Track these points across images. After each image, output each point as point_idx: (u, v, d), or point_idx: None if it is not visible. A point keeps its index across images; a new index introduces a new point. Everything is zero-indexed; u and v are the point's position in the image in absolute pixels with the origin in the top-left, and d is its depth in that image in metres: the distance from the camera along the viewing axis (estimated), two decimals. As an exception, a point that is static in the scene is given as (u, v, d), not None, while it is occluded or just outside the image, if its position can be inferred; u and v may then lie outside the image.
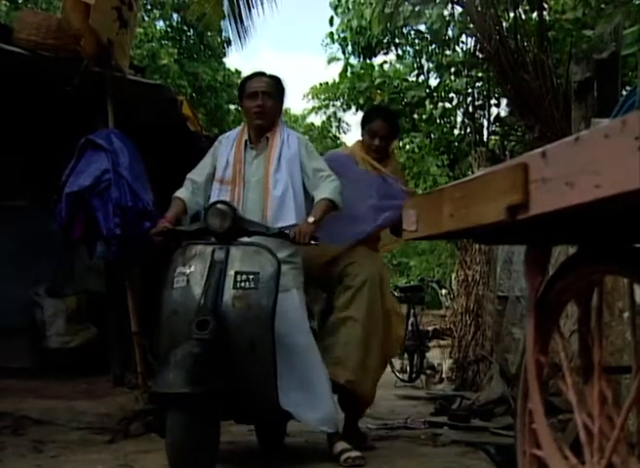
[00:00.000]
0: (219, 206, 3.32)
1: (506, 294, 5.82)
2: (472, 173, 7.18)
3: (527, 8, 8.23)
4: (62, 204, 4.13)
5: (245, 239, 3.36)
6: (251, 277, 3.17)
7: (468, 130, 10.10)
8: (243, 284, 3.16)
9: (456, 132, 10.73)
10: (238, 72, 19.08)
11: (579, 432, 1.39)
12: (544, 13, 7.98)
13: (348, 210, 3.78)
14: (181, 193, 3.76)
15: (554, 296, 1.52)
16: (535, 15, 8.11)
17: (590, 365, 1.41)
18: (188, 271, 3.21)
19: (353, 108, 11.64)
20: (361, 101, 11.10)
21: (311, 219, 3.46)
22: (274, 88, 3.81)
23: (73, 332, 5.53)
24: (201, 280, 3.16)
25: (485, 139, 9.62)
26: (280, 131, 3.80)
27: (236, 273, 3.17)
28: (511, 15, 7.54)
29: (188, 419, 2.81)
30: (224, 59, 17.62)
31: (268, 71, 3.89)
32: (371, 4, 10.25)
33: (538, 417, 1.52)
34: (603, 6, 7.58)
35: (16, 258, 5.59)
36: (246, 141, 3.79)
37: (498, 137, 9.67)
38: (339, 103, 12.74)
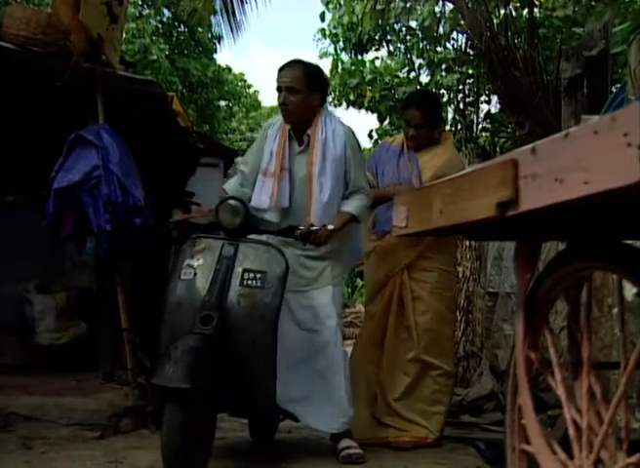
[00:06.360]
0: (230, 201, 3.29)
1: (497, 291, 5.84)
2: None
3: (517, 5, 8.26)
4: (51, 200, 4.11)
5: (263, 237, 3.34)
6: (258, 276, 3.14)
7: (459, 126, 10.13)
8: (250, 282, 3.13)
9: (446, 128, 10.74)
10: (229, 68, 19.08)
11: (567, 427, 1.40)
12: (535, 10, 8.02)
13: None
14: (228, 185, 3.76)
15: (544, 293, 1.53)
16: (525, 12, 8.15)
17: (579, 360, 1.42)
18: (196, 264, 3.17)
19: (344, 104, 11.63)
20: (352, 97, 11.10)
21: (330, 227, 3.38)
22: (303, 81, 3.49)
23: (63, 329, 5.49)
24: (208, 274, 3.13)
25: (475, 136, 9.65)
26: (322, 126, 3.55)
27: (244, 270, 3.14)
28: (502, 12, 7.57)
29: (186, 415, 2.78)
30: (215, 56, 17.60)
31: (305, 60, 3.61)
32: (362, 0, 10.25)
33: (527, 413, 1.52)
34: (593, 3, 7.61)
35: (4, 255, 5.55)
36: (290, 132, 3.59)
37: (488, 134, 9.71)
38: (329, 99, 12.71)
